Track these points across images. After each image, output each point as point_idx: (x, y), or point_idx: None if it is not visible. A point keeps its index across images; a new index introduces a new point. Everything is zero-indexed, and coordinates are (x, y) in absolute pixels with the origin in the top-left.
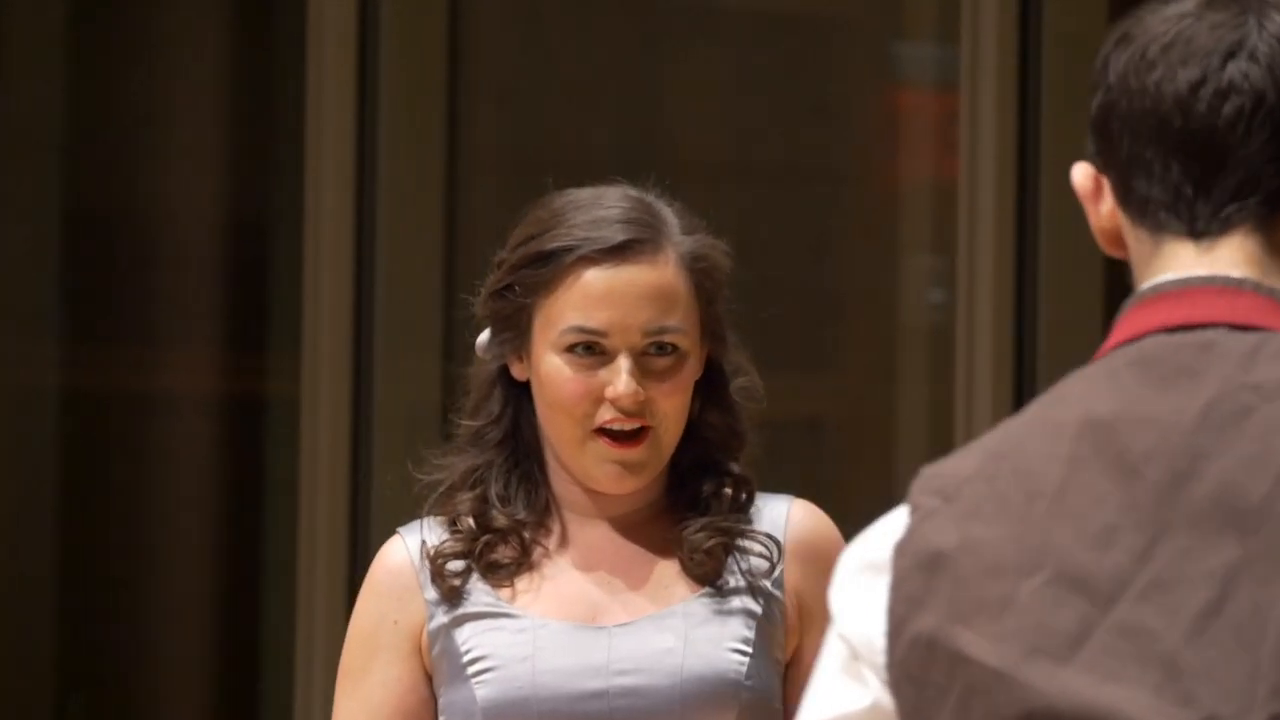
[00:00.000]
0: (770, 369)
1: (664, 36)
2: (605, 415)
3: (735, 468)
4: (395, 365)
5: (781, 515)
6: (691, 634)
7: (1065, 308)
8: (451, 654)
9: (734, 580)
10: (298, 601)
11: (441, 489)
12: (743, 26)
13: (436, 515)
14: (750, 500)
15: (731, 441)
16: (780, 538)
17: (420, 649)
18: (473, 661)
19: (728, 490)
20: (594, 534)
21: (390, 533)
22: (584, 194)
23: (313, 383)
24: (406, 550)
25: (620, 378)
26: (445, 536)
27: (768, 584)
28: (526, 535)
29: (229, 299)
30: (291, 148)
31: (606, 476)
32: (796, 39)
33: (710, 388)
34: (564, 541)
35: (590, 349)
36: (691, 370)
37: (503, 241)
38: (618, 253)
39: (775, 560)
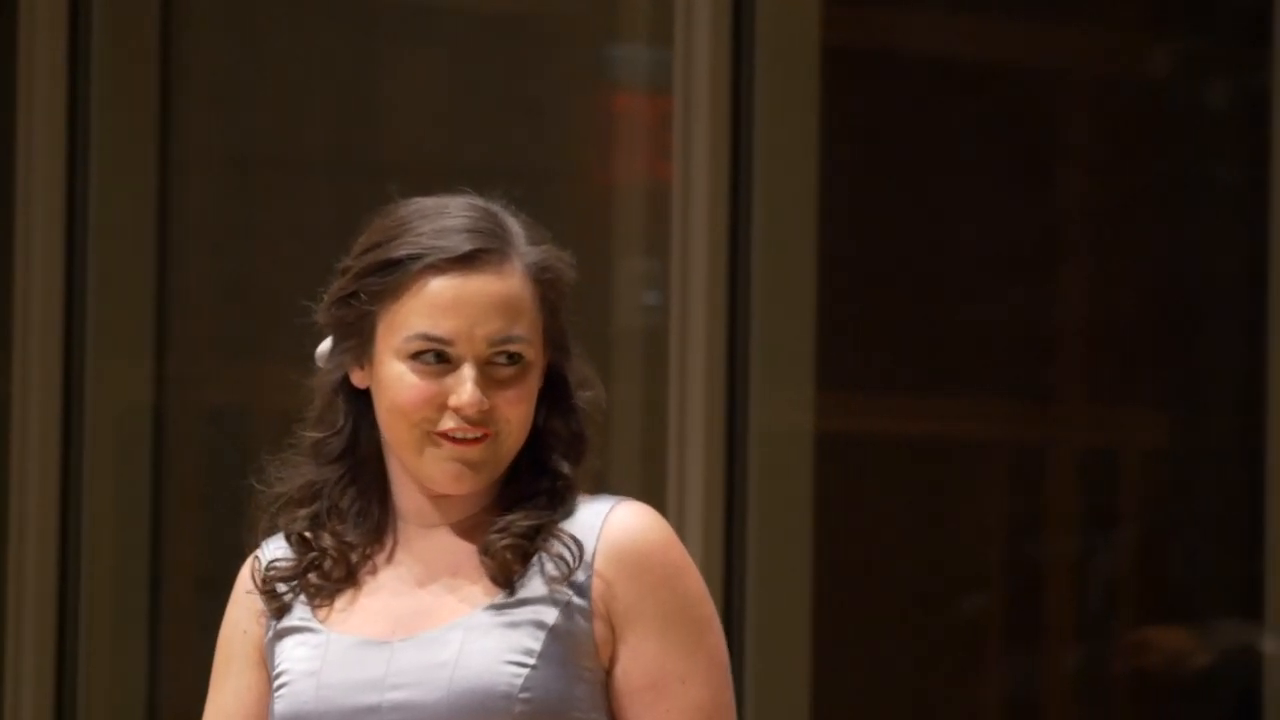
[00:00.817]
0: None
1: (378, 36)
2: (448, 424)
3: (564, 467)
4: (106, 366)
5: (599, 517)
6: (468, 646)
7: (778, 309)
8: (272, 668)
9: (532, 587)
10: (7, 596)
11: (279, 503)
12: (457, 27)
13: (279, 529)
14: (564, 499)
15: (575, 448)
16: (593, 540)
17: (263, 660)
18: (278, 676)
19: (537, 494)
20: (427, 545)
21: (111, 532)
22: (429, 203)
23: (23, 383)
24: (258, 562)
25: (465, 387)
26: (279, 553)
27: (569, 591)
28: (354, 557)
29: None
30: (1, 146)
31: (445, 475)
32: (511, 40)
33: (555, 397)
34: (393, 556)
35: (436, 357)
36: (535, 380)
37: (346, 249)
38: (465, 262)
39: (573, 565)
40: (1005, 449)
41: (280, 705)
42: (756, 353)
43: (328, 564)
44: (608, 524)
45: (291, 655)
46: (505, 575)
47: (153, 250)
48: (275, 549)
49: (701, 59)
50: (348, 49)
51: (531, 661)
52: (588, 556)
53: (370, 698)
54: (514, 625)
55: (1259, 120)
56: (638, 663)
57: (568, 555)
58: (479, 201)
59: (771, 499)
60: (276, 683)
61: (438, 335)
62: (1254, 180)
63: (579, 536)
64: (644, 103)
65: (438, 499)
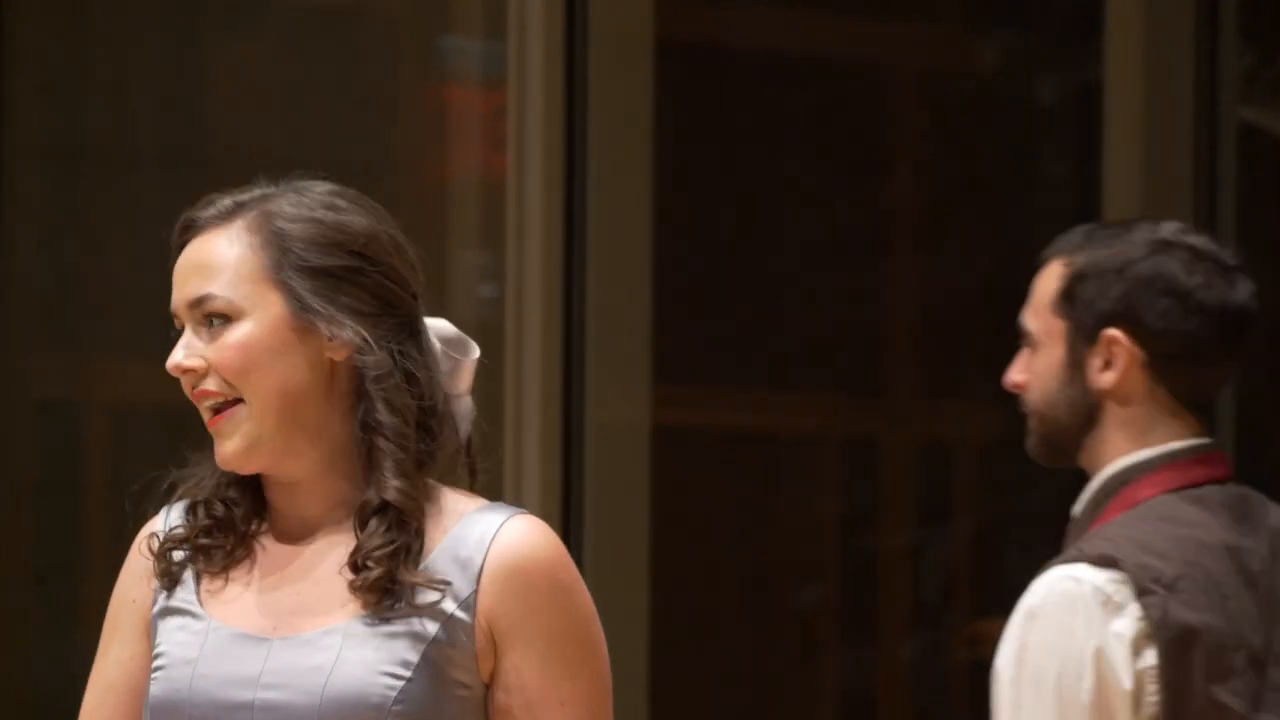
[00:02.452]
0: None
1: (209, 29)
2: (189, 394)
3: (393, 485)
4: None
5: (488, 534)
6: (345, 653)
7: (613, 301)
8: (153, 645)
9: (416, 597)
10: None
11: (190, 474)
12: (290, 19)
13: (180, 498)
14: (415, 521)
15: (398, 441)
16: (480, 555)
17: (149, 631)
18: (156, 656)
19: (384, 511)
20: (310, 535)
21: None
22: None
23: None
24: (153, 530)
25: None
26: (179, 521)
27: (453, 604)
28: (240, 528)
29: None
30: None
31: (217, 452)
32: (343, 32)
33: (364, 380)
34: (268, 540)
35: (180, 333)
36: (250, 332)
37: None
38: (184, 232)
39: (443, 594)
40: (838, 442)
41: (155, 688)
42: (592, 346)
43: (218, 535)
44: (497, 539)
45: (172, 638)
46: (376, 598)
47: None
48: (174, 517)
49: (535, 52)
50: (178, 41)
51: (407, 674)
52: (473, 572)
53: (244, 694)
54: (393, 636)
55: (1089, 115)
56: (517, 681)
57: (439, 586)
58: (286, 183)
59: (608, 492)
60: (154, 664)
61: (172, 310)
62: (1084, 174)
63: (468, 552)
64: (478, 96)
65: (279, 487)
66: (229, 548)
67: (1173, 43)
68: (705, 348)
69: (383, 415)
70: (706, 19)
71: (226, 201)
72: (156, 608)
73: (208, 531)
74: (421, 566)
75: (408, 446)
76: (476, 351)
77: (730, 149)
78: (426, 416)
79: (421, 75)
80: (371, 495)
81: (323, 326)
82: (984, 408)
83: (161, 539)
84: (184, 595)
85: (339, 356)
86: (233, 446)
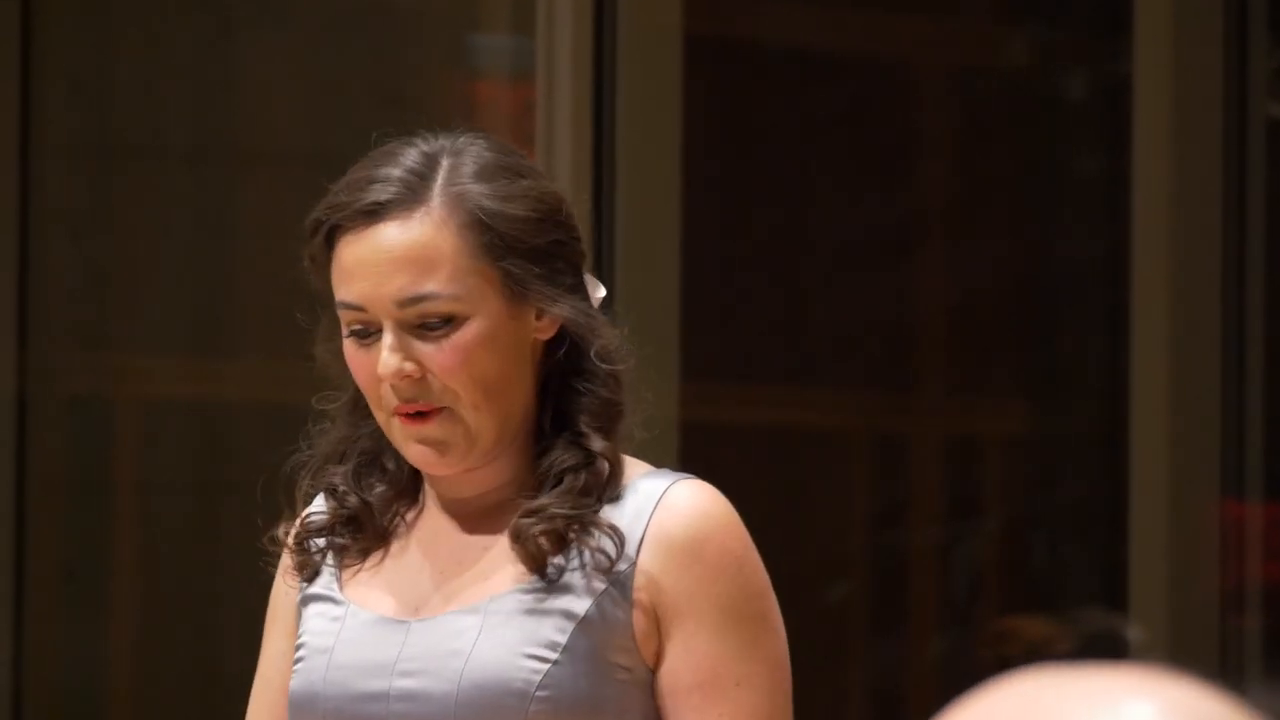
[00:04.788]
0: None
1: (239, 24)
2: (393, 400)
3: (596, 443)
4: None
5: (653, 499)
6: (486, 635)
7: (640, 299)
8: (297, 635)
9: (567, 575)
10: None
11: (314, 461)
12: (318, 16)
13: (318, 490)
14: (607, 482)
15: (606, 412)
16: (641, 526)
17: (297, 624)
18: (298, 647)
19: (578, 471)
20: (457, 515)
21: None
22: (375, 152)
23: None
24: (296, 523)
25: (380, 357)
26: (319, 508)
27: (605, 582)
28: (379, 515)
29: None
30: None
31: (416, 456)
32: (373, 27)
33: (568, 357)
34: (418, 521)
35: (364, 327)
36: (477, 335)
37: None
38: (368, 216)
39: (614, 558)
40: (867, 438)
41: (294, 681)
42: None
43: (354, 522)
44: (660, 507)
45: (311, 626)
46: (537, 563)
47: (14, 240)
48: (315, 508)
49: (564, 47)
50: (208, 36)
51: (554, 656)
52: (632, 544)
53: (379, 683)
54: (540, 614)
55: (1118, 109)
56: (687, 662)
57: (609, 549)
58: (425, 140)
59: None
60: (295, 654)
61: (350, 302)
62: (1113, 169)
63: (627, 521)
64: (506, 91)
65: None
66: (372, 531)
67: (1202, 38)
68: (734, 344)
69: (594, 382)
70: (735, 14)
71: (402, 176)
72: (300, 596)
73: (348, 519)
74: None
75: (612, 411)
76: (602, 291)
77: (759, 144)
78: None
79: (450, 71)
80: (572, 452)
81: (536, 309)
82: (1013, 404)
83: (297, 529)
84: (325, 581)
85: (546, 336)
86: (452, 459)
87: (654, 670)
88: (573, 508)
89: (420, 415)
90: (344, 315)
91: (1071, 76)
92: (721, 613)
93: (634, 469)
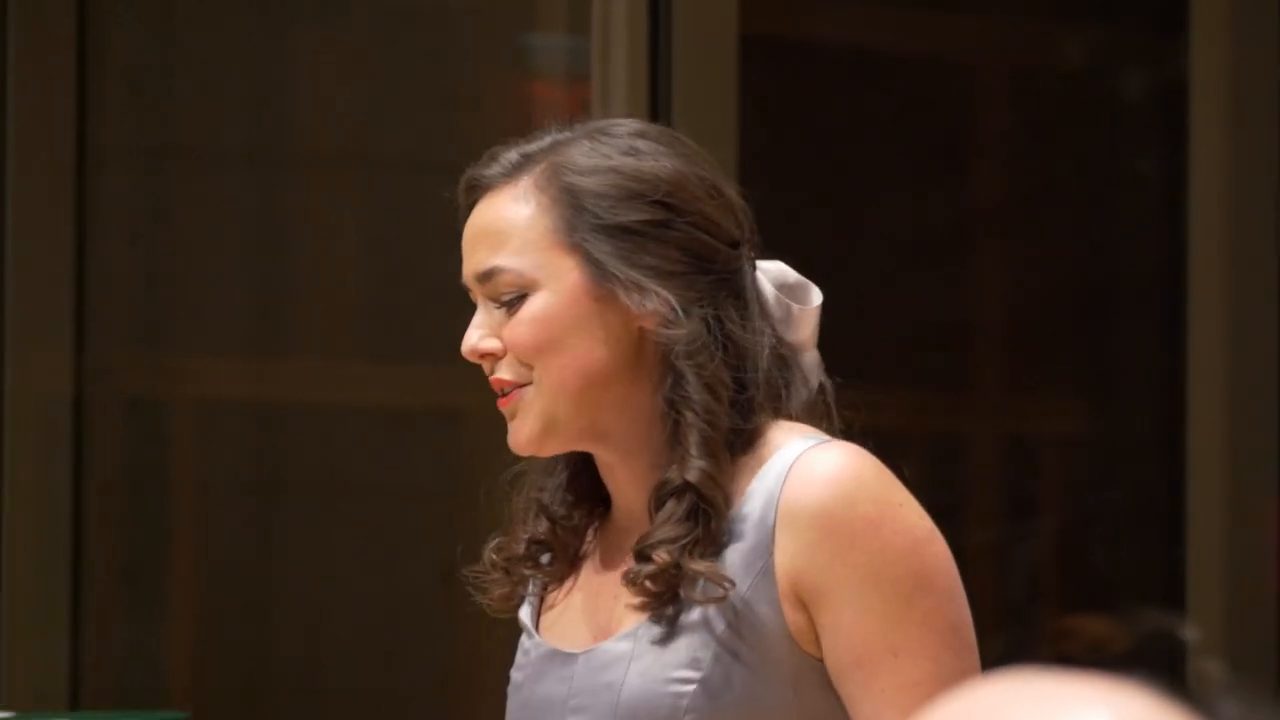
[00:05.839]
0: (403, 360)
1: (295, 24)
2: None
3: (691, 470)
4: (25, 356)
5: (781, 478)
6: (635, 663)
7: None
8: None
9: (701, 583)
10: None
11: (526, 477)
12: (375, 17)
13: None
14: (713, 512)
15: (707, 418)
16: (774, 510)
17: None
18: (509, 682)
19: (681, 494)
20: (625, 530)
21: None
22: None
23: None
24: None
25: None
26: (522, 529)
27: (747, 582)
28: (573, 536)
29: None
30: None
31: (509, 439)
32: (428, 30)
33: (671, 353)
34: (606, 540)
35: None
36: (545, 306)
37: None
38: (468, 196)
39: (720, 597)
40: (924, 438)
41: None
42: None
43: (550, 546)
44: (786, 486)
45: (516, 659)
46: (651, 600)
47: (71, 241)
48: (523, 526)
49: (619, 47)
50: (264, 37)
51: (697, 676)
52: (767, 532)
53: None
54: (680, 633)
55: (1176, 108)
56: (840, 641)
57: (712, 594)
58: (584, 124)
59: None
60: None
61: (463, 282)
62: (1171, 168)
63: (759, 509)
64: (561, 91)
65: (604, 469)
66: (563, 555)
67: (1259, 37)
68: None
69: (692, 390)
70: (791, 14)
71: (513, 154)
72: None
73: (542, 542)
74: (723, 539)
75: (717, 424)
76: (819, 298)
77: (815, 144)
78: (751, 390)
79: (505, 71)
80: (672, 474)
81: (624, 295)
82: (1071, 403)
83: (503, 553)
84: (527, 609)
85: (649, 325)
86: (526, 431)
87: (820, 659)
88: (673, 539)
89: (505, 395)
90: (472, 297)
91: (1128, 76)
92: (863, 582)
93: (779, 438)
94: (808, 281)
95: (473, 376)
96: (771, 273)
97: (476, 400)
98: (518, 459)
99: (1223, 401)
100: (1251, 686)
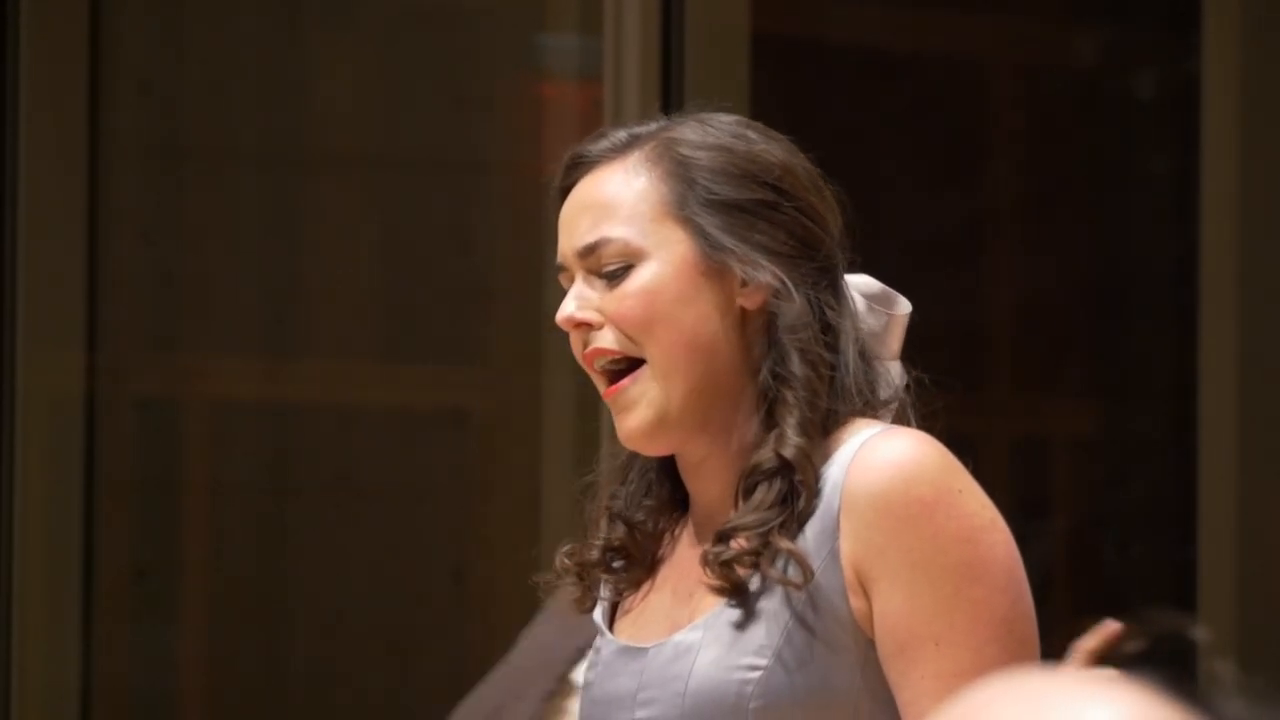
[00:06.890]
0: (415, 360)
1: (307, 24)
2: (579, 352)
3: (788, 447)
4: (38, 356)
5: (845, 467)
6: (704, 653)
7: None
8: None
9: (769, 569)
10: None
11: (600, 485)
12: (387, 17)
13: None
14: (803, 492)
15: (809, 397)
16: (839, 497)
17: None
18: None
19: (773, 478)
20: (703, 524)
21: None
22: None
23: None
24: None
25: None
26: (598, 534)
27: (815, 565)
28: (648, 540)
29: None
30: None
31: (617, 429)
32: (440, 30)
33: (776, 329)
34: (681, 536)
35: (569, 289)
36: (655, 275)
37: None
38: (569, 175)
39: (801, 583)
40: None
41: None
42: None
43: (626, 551)
44: (850, 474)
45: (588, 658)
46: (730, 591)
47: (84, 241)
48: (599, 533)
49: (631, 47)
50: (276, 37)
51: (764, 662)
52: (832, 515)
53: (623, 716)
54: (748, 621)
55: (1188, 107)
56: (887, 626)
57: (794, 578)
58: (692, 113)
59: None
60: None
61: (557, 263)
62: (1183, 168)
63: (826, 497)
64: (574, 91)
65: (686, 469)
66: (639, 559)
67: (1271, 35)
68: None
69: (795, 367)
70: (803, 13)
71: (621, 134)
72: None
73: (618, 548)
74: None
75: (817, 404)
76: (907, 306)
77: (827, 144)
78: (841, 374)
79: (518, 72)
80: (764, 455)
81: (737, 268)
82: (1082, 403)
83: (576, 559)
84: (600, 610)
85: (752, 304)
86: (637, 420)
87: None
88: (760, 523)
89: (614, 381)
90: (561, 281)
91: (1141, 76)
92: (913, 568)
93: (854, 427)
94: (893, 291)
95: (485, 377)
96: (858, 284)
97: (488, 401)
98: (522, 461)
99: (1234, 402)
100: (1262, 687)
